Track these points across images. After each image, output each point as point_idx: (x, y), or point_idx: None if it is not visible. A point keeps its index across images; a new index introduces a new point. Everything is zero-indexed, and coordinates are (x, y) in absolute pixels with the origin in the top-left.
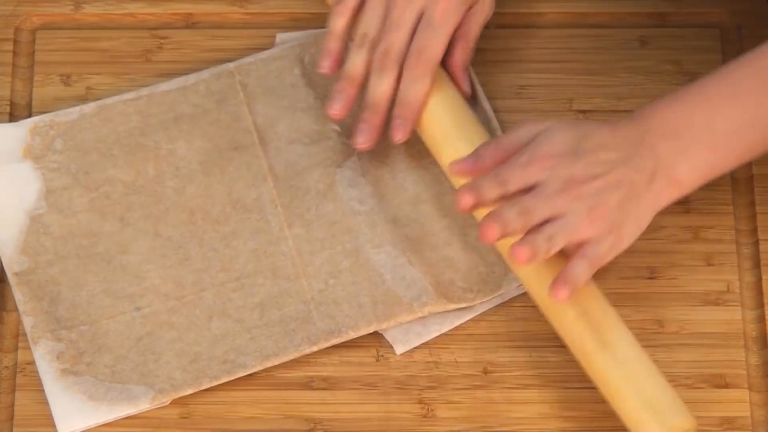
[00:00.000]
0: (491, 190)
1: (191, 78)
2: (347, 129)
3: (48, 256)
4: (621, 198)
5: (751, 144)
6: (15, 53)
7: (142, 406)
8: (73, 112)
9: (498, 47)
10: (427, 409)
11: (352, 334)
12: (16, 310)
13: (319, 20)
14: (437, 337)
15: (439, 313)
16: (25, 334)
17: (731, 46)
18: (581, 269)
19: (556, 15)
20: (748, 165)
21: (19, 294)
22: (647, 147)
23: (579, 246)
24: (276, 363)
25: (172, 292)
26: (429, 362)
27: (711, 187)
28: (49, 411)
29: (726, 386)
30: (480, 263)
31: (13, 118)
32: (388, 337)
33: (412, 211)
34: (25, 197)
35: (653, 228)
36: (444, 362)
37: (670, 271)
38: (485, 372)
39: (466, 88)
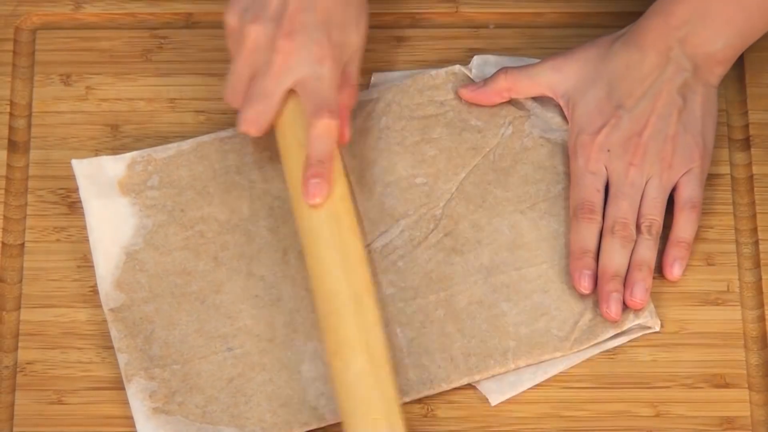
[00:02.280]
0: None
1: None
2: (439, 176)
3: (143, 293)
4: (678, 118)
5: None
6: (15, 53)
7: None
8: (171, 148)
9: (498, 47)
10: (427, 409)
11: (444, 387)
12: (17, 309)
13: None
14: None
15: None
16: (26, 333)
17: None
18: (688, 225)
19: (556, 15)
20: (748, 165)
21: (114, 331)
22: (676, 42)
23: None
24: None
25: (264, 333)
26: None
27: (711, 187)
28: (50, 412)
29: (726, 386)
30: (577, 311)
31: (13, 118)
32: (482, 389)
33: (509, 257)
34: (122, 233)
35: None
36: None
37: None
38: None
39: (348, 134)
